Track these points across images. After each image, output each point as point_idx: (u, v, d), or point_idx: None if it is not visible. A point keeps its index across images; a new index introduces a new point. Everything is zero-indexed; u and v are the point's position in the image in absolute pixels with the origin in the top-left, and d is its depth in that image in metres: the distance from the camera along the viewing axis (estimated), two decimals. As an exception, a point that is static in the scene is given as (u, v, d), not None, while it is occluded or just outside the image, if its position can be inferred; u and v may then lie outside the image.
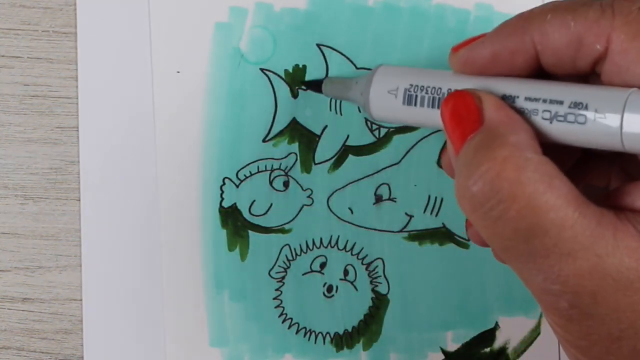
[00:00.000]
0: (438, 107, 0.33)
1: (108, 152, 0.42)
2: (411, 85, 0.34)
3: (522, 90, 0.31)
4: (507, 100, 0.31)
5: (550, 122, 0.30)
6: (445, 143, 0.36)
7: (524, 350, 0.44)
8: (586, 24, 0.30)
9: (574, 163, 0.34)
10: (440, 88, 0.33)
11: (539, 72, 0.32)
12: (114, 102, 0.42)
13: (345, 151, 0.43)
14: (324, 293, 0.43)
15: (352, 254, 0.43)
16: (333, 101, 0.43)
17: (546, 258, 0.28)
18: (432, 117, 0.33)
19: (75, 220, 0.42)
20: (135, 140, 0.42)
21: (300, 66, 0.43)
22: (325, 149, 0.43)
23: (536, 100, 0.30)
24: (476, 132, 0.30)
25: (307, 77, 0.43)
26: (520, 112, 0.30)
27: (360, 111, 0.42)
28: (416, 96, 0.34)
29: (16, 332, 0.42)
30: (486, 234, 0.29)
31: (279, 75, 0.43)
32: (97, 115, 0.42)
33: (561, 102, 0.30)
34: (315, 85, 0.42)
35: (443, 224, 0.44)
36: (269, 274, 0.43)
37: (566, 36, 0.30)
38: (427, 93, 0.33)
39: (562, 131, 0.30)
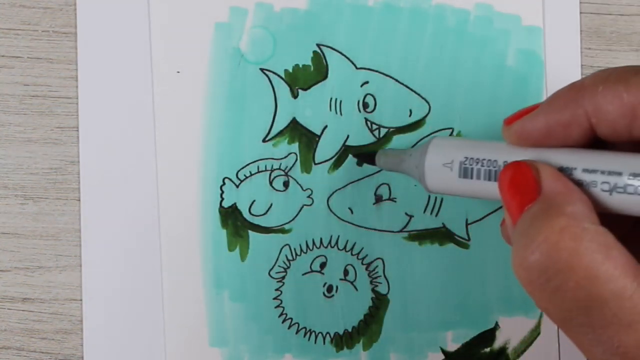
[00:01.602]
0: (494, 180, 0.33)
1: (108, 152, 0.42)
2: (466, 158, 0.34)
3: (580, 162, 0.31)
4: (565, 172, 0.31)
5: (610, 194, 0.30)
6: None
7: (524, 350, 0.44)
8: (639, 94, 0.29)
9: (630, 227, 0.34)
10: (495, 160, 0.33)
11: (596, 140, 0.32)
12: (114, 102, 0.42)
13: (345, 151, 0.43)
14: (324, 293, 0.43)
15: (352, 254, 0.43)
16: (333, 101, 0.43)
17: (605, 329, 0.28)
18: (488, 189, 0.33)
19: (75, 220, 0.42)
20: (135, 140, 0.42)
21: (301, 66, 0.43)
22: (325, 149, 0.43)
23: (594, 172, 0.30)
24: (533, 203, 0.30)
25: (310, 82, 0.43)
26: (579, 184, 0.30)
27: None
28: (472, 169, 0.34)
29: (16, 332, 0.42)
30: (544, 304, 0.29)
31: (279, 75, 0.43)
32: (97, 115, 0.42)
33: (620, 174, 0.30)
34: (368, 157, 0.42)
35: (443, 224, 0.44)
36: (269, 274, 0.43)
37: (620, 108, 0.30)
38: (482, 165, 0.33)
39: (622, 202, 0.30)
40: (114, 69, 0.42)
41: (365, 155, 0.42)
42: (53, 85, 0.42)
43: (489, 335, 0.44)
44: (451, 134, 0.43)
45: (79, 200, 0.42)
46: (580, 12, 0.44)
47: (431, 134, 0.43)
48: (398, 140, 0.43)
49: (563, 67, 0.44)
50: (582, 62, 0.44)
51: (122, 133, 0.42)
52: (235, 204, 0.43)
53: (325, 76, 0.43)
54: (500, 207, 0.44)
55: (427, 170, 0.35)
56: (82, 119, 0.42)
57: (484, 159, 0.33)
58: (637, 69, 0.30)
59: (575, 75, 0.44)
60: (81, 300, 0.42)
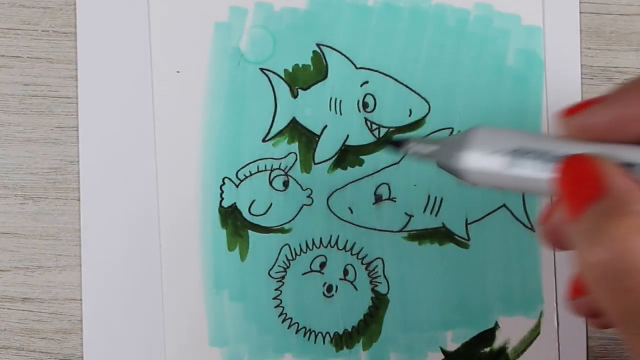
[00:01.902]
0: (547, 173, 0.31)
1: (108, 152, 0.42)
2: (515, 150, 0.31)
3: None
4: (628, 168, 0.30)
5: None
6: (543, 211, 0.33)
7: (524, 351, 0.44)
8: None
9: None
10: (550, 153, 0.31)
11: None
12: (114, 102, 0.42)
13: (345, 151, 0.43)
14: (324, 293, 0.43)
15: (352, 254, 0.43)
16: (333, 101, 0.43)
17: None
18: (538, 183, 0.31)
19: (75, 220, 0.42)
20: (135, 140, 0.42)
21: (301, 66, 0.43)
22: (325, 149, 0.43)
23: None
24: (600, 200, 0.29)
25: (310, 82, 0.43)
26: None
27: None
28: (522, 161, 0.31)
29: (16, 332, 0.42)
30: (608, 304, 0.28)
31: (279, 75, 0.43)
32: (97, 115, 0.42)
33: None
34: (398, 145, 0.38)
35: (443, 224, 0.44)
36: (269, 274, 0.43)
37: None
38: (534, 159, 0.31)
39: None
40: (114, 69, 0.42)
41: (395, 141, 0.38)
42: (53, 85, 0.42)
43: (489, 336, 0.44)
44: (451, 134, 0.43)
45: (79, 200, 0.42)
46: (580, 12, 0.44)
47: (431, 134, 0.43)
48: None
49: (563, 67, 0.44)
50: (582, 62, 0.44)
51: (122, 133, 0.42)
52: (235, 204, 0.43)
53: (325, 76, 0.43)
54: (500, 208, 0.44)
55: (468, 162, 0.32)
56: (82, 119, 0.42)
57: (535, 151, 0.31)
58: None
59: (575, 75, 0.44)
60: (81, 300, 0.42)
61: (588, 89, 0.44)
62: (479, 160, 0.32)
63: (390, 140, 0.39)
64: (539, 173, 0.31)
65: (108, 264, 0.42)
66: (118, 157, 0.42)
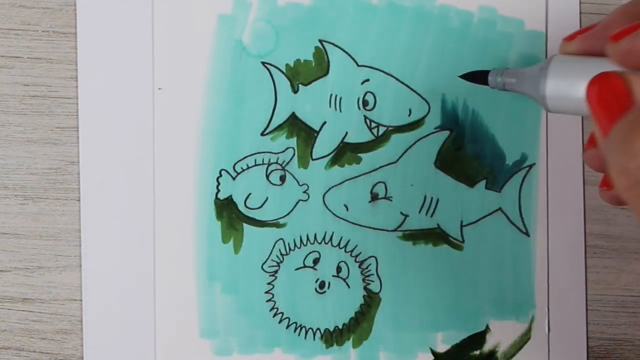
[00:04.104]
0: None
1: (108, 152, 0.42)
2: (585, 73, 0.33)
3: None
4: None
5: None
6: (589, 138, 0.35)
7: (514, 354, 0.44)
8: None
9: None
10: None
11: None
12: (113, 102, 0.42)
13: (343, 148, 0.43)
14: (315, 289, 0.43)
15: (345, 251, 0.43)
16: (333, 97, 0.43)
17: None
18: None
19: (75, 220, 0.42)
20: (135, 141, 0.42)
21: (302, 61, 0.43)
22: (323, 145, 0.43)
23: None
24: (629, 111, 0.30)
25: (310, 77, 0.43)
26: None
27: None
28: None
29: (16, 332, 0.42)
30: (638, 210, 0.29)
31: (280, 70, 0.43)
32: (97, 115, 0.42)
33: None
34: (480, 77, 0.41)
35: (438, 224, 0.44)
36: (262, 267, 0.43)
37: None
38: None
39: None
40: (113, 69, 0.42)
41: (477, 74, 0.41)
42: (53, 85, 0.42)
43: (479, 338, 0.44)
44: (449, 135, 0.43)
45: (79, 200, 0.42)
46: (580, 12, 0.44)
47: (431, 133, 0.43)
48: (396, 139, 0.43)
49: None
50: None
51: (121, 133, 0.42)
52: (231, 196, 0.43)
53: (326, 72, 0.43)
54: (496, 211, 0.44)
55: (550, 89, 0.35)
56: (82, 119, 0.42)
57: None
58: None
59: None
60: (81, 300, 0.42)
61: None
62: (558, 89, 0.34)
63: (470, 73, 0.41)
64: None
65: (108, 264, 0.42)
66: (118, 157, 0.42)
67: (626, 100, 0.30)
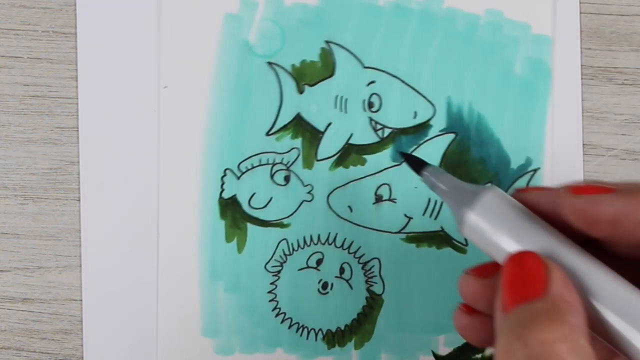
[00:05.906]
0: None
1: (108, 152, 0.42)
2: (509, 229, 0.31)
3: (596, 283, 0.29)
4: (575, 275, 0.30)
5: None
6: (463, 305, 0.34)
7: (516, 358, 0.44)
8: None
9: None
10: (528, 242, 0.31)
11: None
12: (114, 102, 0.42)
13: (348, 149, 0.43)
14: (318, 289, 0.43)
15: (349, 252, 0.43)
16: (339, 98, 0.43)
17: None
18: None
19: (75, 220, 0.42)
20: (139, 139, 0.42)
21: (308, 62, 0.43)
22: (328, 146, 0.43)
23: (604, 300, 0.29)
24: (537, 299, 0.29)
25: (316, 78, 0.43)
26: (584, 292, 0.29)
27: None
28: (511, 239, 0.31)
29: (16, 332, 0.42)
30: None
31: (286, 70, 0.43)
32: (97, 115, 0.42)
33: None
34: (416, 164, 0.36)
35: (441, 227, 0.44)
36: (265, 267, 0.43)
37: None
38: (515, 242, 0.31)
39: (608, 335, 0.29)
40: (116, 68, 0.42)
41: (414, 161, 0.37)
42: (53, 85, 0.42)
43: (481, 341, 0.44)
44: (454, 138, 0.43)
45: (79, 200, 0.42)
46: (580, 12, 0.44)
47: (436, 136, 0.43)
48: (401, 142, 0.43)
49: (571, 77, 0.44)
50: (582, 62, 0.44)
51: (123, 133, 0.42)
52: (235, 195, 0.43)
53: (332, 73, 0.43)
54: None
55: (469, 217, 0.32)
56: (82, 119, 0.42)
57: (524, 237, 0.31)
58: None
59: (575, 76, 0.44)
60: (81, 300, 0.42)
61: (588, 89, 0.44)
62: (480, 227, 0.32)
63: (411, 156, 0.37)
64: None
65: (108, 264, 0.42)
66: (118, 157, 0.42)
67: (540, 288, 0.29)
